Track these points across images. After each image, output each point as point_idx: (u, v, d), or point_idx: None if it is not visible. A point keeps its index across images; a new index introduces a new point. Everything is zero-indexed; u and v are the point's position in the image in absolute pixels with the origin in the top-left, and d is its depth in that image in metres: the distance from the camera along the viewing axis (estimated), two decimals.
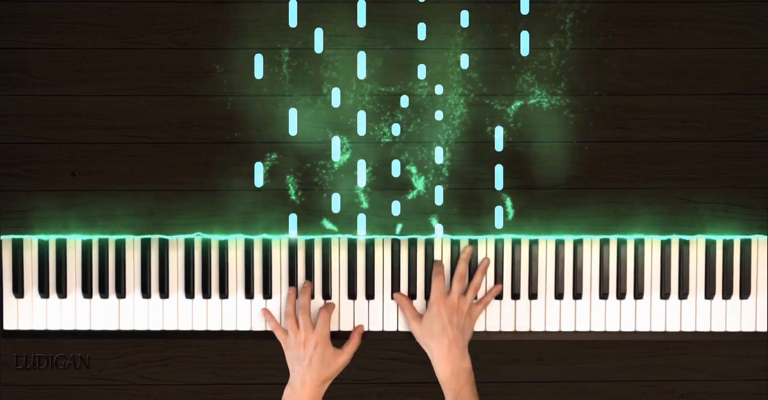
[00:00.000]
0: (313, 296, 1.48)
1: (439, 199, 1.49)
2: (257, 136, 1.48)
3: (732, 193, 1.48)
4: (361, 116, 1.48)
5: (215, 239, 1.48)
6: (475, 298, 1.47)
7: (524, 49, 1.48)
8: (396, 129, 1.48)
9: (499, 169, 1.48)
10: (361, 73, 1.48)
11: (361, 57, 1.48)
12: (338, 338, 1.48)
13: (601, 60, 1.48)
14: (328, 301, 1.48)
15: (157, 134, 1.47)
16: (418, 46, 1.48)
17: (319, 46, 1.48)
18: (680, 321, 1.49)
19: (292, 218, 1.48)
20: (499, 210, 1.48)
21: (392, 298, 1.48)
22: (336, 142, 1.48)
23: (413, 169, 1.49)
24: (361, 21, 1.48)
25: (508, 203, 1.48)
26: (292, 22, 1.48)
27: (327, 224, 1.48)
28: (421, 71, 1.48)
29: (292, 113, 1.48)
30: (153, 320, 1.48)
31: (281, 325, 1.47)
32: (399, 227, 1.49)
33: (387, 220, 1.49)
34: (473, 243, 1.48)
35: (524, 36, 1.47)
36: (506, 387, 1.55)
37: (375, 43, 1.48)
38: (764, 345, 1.55)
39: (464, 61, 1.48)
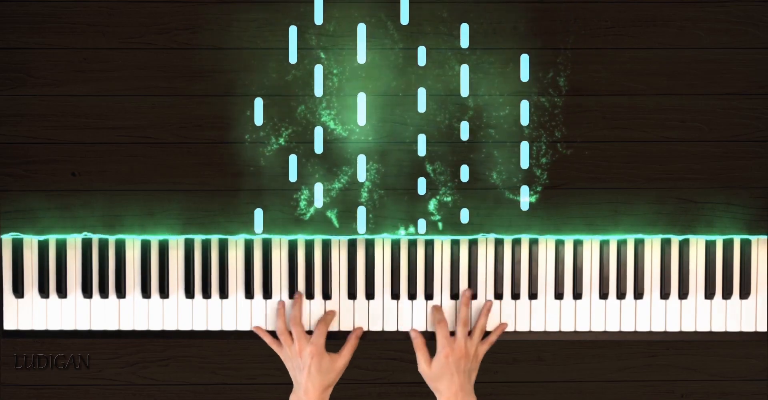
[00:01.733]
0: (313, 296, 1.49)
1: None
2: (257, 135, 1.48)
3: (732, 193, 1.48)
4: (362, 112, 1.48)
5: (215, 239, 1.48)
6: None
7: (524, 52, 1.48)
8: (394, 128, 1.48)
9: (499, 170, 1.48)
10: (361, 66, 1.48)
11: (361, 51, 1.48)
12: (338, 339, 1.48)
13: (601, 60, 1.48)
14: (329, 310, 1.48)
15: (157, 134, 1.47)
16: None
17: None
18: (680, 321, 1.49)
19: (292, 218, 1.48)
20: (499, 210, 1.48)
21: (392, 298, 1.48)
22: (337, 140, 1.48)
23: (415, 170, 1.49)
24: (362, 26, 1.48)
25: (509, 202, 1.48)
26: (292, 21, 1.48)
27: (332, 218, 1.48)
28: (422, 85, 1.48)
29: (293, 112, 1.48)
30: (153, 320, 1.48)
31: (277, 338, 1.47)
32: (398, 225, 1.49)
33: (387, 220, 1.49)
34: (473, 243, 1.48)
35: (524, 37, 1.47)
36: (506, 387, 1.55)
37: (374, 40, 1.48)
38: (764, 345, 1.55)
39: (464, 69, 1.48)
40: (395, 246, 1.48)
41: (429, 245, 1.48)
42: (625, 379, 1.55)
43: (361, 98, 1.48)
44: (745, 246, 1.48)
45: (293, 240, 1.48)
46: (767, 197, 1.48)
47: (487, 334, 1.48)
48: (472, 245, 1.48)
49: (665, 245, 1.48)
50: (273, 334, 1.48)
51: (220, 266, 1.48)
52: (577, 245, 1.48)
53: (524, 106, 1.48)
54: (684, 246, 1.48)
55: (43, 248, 1.47)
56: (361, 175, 1.48)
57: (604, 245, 1.48)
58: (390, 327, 1.49)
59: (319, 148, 1.48)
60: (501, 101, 1.48)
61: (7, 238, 1.47)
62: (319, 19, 1.47)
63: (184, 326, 1.48)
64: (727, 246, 1.48)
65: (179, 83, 1.47)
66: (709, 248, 1.48)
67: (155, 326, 1.48)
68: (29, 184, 1.47)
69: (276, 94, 1.48)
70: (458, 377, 1.41)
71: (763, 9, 1.48)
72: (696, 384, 1.55)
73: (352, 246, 1.48)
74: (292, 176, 1.48)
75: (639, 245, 1.48)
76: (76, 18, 1.47)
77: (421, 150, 1.48)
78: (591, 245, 1.49)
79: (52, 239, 1.47)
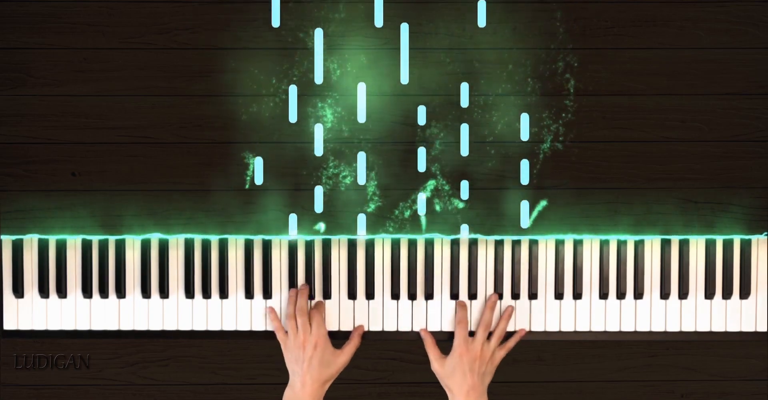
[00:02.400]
0: (313, 297, 1.49)
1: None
2: (257, 136, 1.48)
3: (732, 193, 1.48)
4: (362, 112, 1.48)
5: (215, 239, 1.48)
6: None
7: (524, 52, 1.48)
8: (396, 128, 1.49)
9: (499, 170, 1.48)
10: (362, 80, 1.48)
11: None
12: (338, 338, 1.48)
13: (601, 60, 1.48)
14: (315, 301, 1.48)
15: (157, 134, 1.47)
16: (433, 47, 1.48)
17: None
18: (680, 321, 1.49)
19: (292, 218, 1.48)
20: (499, 210, 1.48)
21: (392, 298, 1.48)
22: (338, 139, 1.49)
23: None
24: (368, 19, 1.47)
25: (510, 203, 1.48)
26: (292, 22, 1.48)
27: (321, 225, 1.49)
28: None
29: (292, 113, 1.48)
30: (153, 320, 1.48)
31: (283, 326, 1.47)
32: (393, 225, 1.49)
33: (384, 220, 1.49)
34: (473, 243, 1.48)
35: (524, 38, 1.47)
36: (506, 387, 1.55)
37: (381, 42, 1.48)
38: (764, 345, 1.55)
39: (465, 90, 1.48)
40: (395, 246, 1.48)
41: (429, 245, 1.48)
42: (625, 379, 1.55)
43: (361, 157, 1.48)
44: (745, 246, 1.48)
45: (293, 240, 1.48)
46: (767, 197, 1.48)
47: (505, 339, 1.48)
48: (472, 245, 1.48)
49: (665, 245, 1.48)
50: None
51: (220, 266, 1.48)
52: (577, 245, 1.48)
53: (524, 106, 1.48)
54: (684, 246, 1.48)
55: (43, 248, 1.47)
56: (361, 177, 1.49)
57: (604, 245, 1.48)
58: (390, 327, 1.49)
59: (319, 150, 1.48)
60: (501, 103, 1.48)
61: (7, 238, 1.47)
62: (319, 78, 1.47)
63: (184, 326, 1.48)
64: (727, 246, 1.48)
65: (179, 83, 1.47)
66: (709, 248, 1.48)
67: (155, 326, 1.48)
68: (29, 184, 1.47)
69: (276, 94, 1.48)
70: (470, 377, 1.41)
71: (763, 9, 1.48)
72: (696, 384, 1.55)
73: (352, 246, 1.48)
74: (292, 175, 1.48)
75: (639, 245, 1.48)
76: (76, 18, 1.47)
77: (425, 197, 1.49)
78: (591, 245, 1.49)
79: (52, 239, 1.47)
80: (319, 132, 1.47)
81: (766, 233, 1.48)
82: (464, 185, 1.48)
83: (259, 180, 1.48)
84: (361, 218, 1.48)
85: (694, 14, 1.48)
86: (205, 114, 1.47)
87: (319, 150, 1.47)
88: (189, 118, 1.47)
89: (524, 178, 1.48)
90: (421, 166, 1.48)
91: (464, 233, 1.48)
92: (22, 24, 1.46)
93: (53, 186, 1.47)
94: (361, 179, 1.47)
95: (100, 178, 1.48)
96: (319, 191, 1.48)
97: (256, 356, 1.54)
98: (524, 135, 1.48)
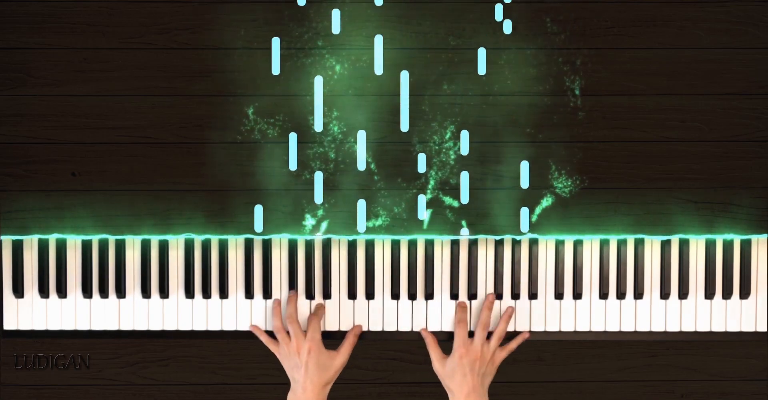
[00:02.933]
0: (313, 297, 1.49)
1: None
2: (257, 136, 1.48)
3: (732, 193, 1.48)
4: (362, 159, 1.48)
5: (215, 239, 1.48)
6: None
7: (524, 52, 1.48)
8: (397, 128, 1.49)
9: (499, 170, 1.48)
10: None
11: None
12: (338, 339, 1.48)
13: (602, 60, 1.48)
14: (317, 303, 1.48)
15: (157, 134, 1.47)
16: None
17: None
18: (680, 321, 1.49)
19: (292, 218, 1.48)
20: (500, 210, 1.49)
21: (392, 298, 1.48)
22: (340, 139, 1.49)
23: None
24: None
25: (509, 203, 1.48)
26: (292, 22, 1.48)
27: (321, 224, 1.49)
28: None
29: (292, 161, 1.48)
30: (153, 320, 1.48)
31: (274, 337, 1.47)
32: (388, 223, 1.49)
33: (382, 219, 1.49)
34: (473, 243, 1.48)
35: (524, 38, 1.47)
36: (506, 387, 1.55)
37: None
38: (764, 345, 1.55)
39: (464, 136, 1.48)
40: (395, 246, 1.48)
41: (429, 245, 1.48)
42: (625, 379, 1.55)
43: (361, 205, 1.48)
44: (745, 246, 1.48)
45: (293, 240, 1.48)
46: (767, 197, 1.49)
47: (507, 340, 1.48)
48: (472, 245, 1.48)
49: (665, 245, 1.48)
50: (270, 333, 1.48)
51: (220, 266, 1.48)
52: (577, 245, 1.48)
53: (524, 107, 1.48)
54: (684, 246, 1.48)
55: (43, 248, 1.47)
56: (363, 178, 1.49)
57: (604, 245, 1.48)
58: (390, 327, 1.49)
59: (319, 198, 1.48)
60: (500, 103, 1.48)
61: (7, 238, 1.47)
62: (319, 126, 1.47)
63: (184, 326, 1.48)
64: (727, 246, 1.48)
65: (179, 83, 1.47)
66: (709, 248, 1.48)
67: (155, 326, 1.48)
68: (29, 184, 1.47)
69: (277, 95, 1.48)
70: (471, 378, 1.41)
71: (763, 9, 1.48)
72: (696, 384, 1.55)
73: (352, 246, 1.48)
74: (293, 175, 1.48)
75: (639, 245, 1.48)
76: (76, 18, 1.47)
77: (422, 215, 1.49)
78: (591, 245, 1.49)
79: (52, 239, 1.47)
80: (319, 179, 1.47)
81: (766, 233, 1.48)
82: (464, 186, 1.48)
83: (259, 180, 1.48)
84: (361, 218, 1.48)
85: (694, 14, 1.48)
86: (205, 114, 1.48)
87: (319, 198, 1.47)
88: (189, 118, 1.48)
89: (524, 179, 1.48)
90: (421, 171, 1.48)
91: (464, 233, 1.48)
92: (22, 24, 1.46)
93: (53, 186, 1.47)
94: (361, 225, 1.48)
95: (100, 178, 1.48)
96: (319, 190, 1.48)
97: (256, 356, 1.54)
98: (524, 135, 1.48)
